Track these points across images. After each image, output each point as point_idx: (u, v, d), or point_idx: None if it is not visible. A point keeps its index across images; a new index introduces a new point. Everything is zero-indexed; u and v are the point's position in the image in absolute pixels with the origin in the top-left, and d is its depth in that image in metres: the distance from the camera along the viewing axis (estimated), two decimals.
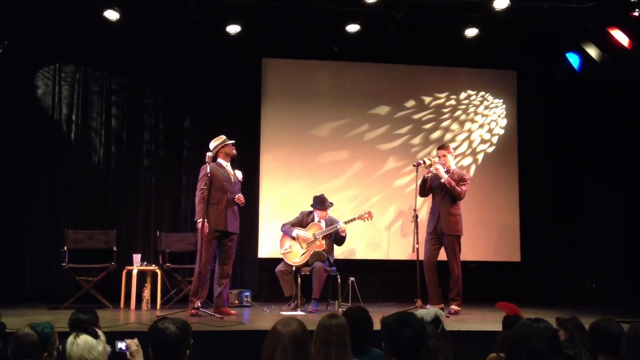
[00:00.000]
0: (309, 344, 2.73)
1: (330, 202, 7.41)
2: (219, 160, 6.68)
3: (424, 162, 6.90)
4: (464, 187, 6.90)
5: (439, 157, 7.07)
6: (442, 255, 7.02)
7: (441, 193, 6.94)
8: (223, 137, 6.75)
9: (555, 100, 8.81)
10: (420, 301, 6.53)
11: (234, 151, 6.78)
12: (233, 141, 6.78)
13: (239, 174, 6.79)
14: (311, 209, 7.42)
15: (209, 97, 8.24)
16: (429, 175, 7.03)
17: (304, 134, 8.51)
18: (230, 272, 6.67)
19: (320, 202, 7.34)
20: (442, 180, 6.86)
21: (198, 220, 6.37)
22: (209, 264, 6.48)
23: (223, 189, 6.49)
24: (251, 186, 8.17)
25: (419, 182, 7.01)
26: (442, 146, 7.26)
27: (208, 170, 6.32)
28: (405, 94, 8.74)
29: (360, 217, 7.28)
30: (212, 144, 6.70)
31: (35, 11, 7.49)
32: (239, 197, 6.61)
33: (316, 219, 7.35)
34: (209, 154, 6.39)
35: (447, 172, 6.96)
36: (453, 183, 6.85)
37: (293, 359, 2.58)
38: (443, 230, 6.87)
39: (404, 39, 8.25)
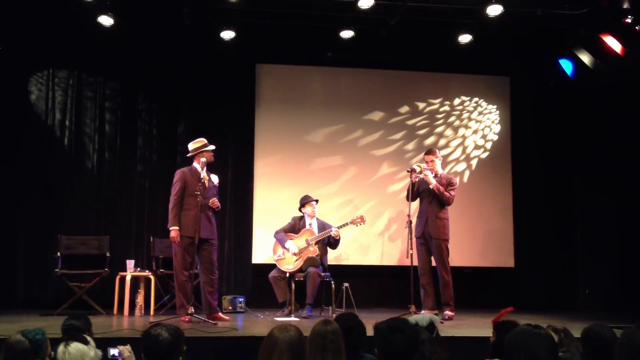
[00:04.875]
0: (306, 350, 2.73)
1: (315, 199, 7.40)
2: (194, 164, 6.58)
3: (415, 170, 6.89)
4: (452, 192, 6.90)
5: (427, 162, 7.06)
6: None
7: (429, 197, 6.95)
8: (204, 140, 6.66)
9: (548, 106, 8.84)
10: (414, 307, 6.53)
11: (212, 158, 6.66)
12: (213, 147, 6.67)
13: (214, 178, 6.69)
14: (301, 213, 7.42)
15: (203, 102, 8.24)
16: (417, 179, 7.03)
17: (298, 139, 8.52)
18: (216, 280, 6.58)
19: (304, 198, 7.36)
20: (431, 187, 6.86)
21: (171, 228, 6.34)
22: (185, 271, 6.35)
23: (196, 194, 6.29)
24: (245, 192, 8.19)
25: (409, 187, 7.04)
26: (430, 151, 7.25)
27: (182, 175, 6.33)
28: (399, 100, 8.76)
29: (353, 222, 7.27)
30: (191, 146, 6.64)
31: (29, 16, 7.48)
32: (214, 202, 6.53)
33: (307, 221, 7.34)
34: (188, 155, 6.41)
35: (435, 176, 6.97)
36: (442, 189, 6.85)
37: None
38: (431, 234, 6.87)
39: (398, 45, 8.27)
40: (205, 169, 6.56)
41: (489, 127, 8.93)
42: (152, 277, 7.21)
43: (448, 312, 6.79)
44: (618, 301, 8.29)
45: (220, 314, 6.57)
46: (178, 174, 6.49)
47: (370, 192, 8.54)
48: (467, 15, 7.51)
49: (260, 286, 7.87)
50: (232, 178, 8.19)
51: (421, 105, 8.80)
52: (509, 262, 8.68)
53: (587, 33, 7.69)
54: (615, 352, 2.83)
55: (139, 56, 8.14)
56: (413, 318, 3.11)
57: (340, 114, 8.60)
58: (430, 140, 8.72)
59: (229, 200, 8.07)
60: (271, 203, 8.33)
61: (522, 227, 8.72)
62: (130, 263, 7.24)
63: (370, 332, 2.98)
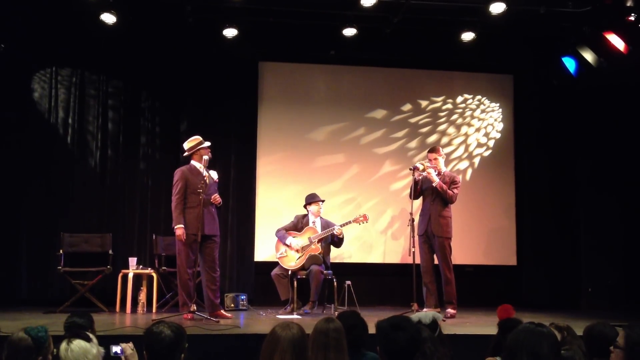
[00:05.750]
0: (308, 348, 2.73)
1: (322, 199, 7.43)
2: (193, 162, 6.58)
3: (418, 168, 6.89)
4: (455, 191, 6.89)
5: (430, 160, 7.05)
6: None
7: (432, 195, 6.93)
8: (199, 138, 6.64)
9: (551, 104, 8.83)
10: (417, 305, 6.53)
11: (210, 154, 6.62)
12: (209, 143, 6.66)
13: (214, 175, 6.68)
14: (305, 211, 7.42)
15: (206, 100, 8.24)
16: (420, 177, 7.02)
17: (301, 137, 8.51)
18: (218, 277, 6.58)
19: (311, 197, 7.40)
20: (434, 185, 6.84)
21: (177, 227, 6.33)
22: (189, 268, 6.37)
23: (198, 191, 6.27)
24: (248, 189, 8.19)
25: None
26: (433, 149, 7.23)
27: (182, 174, 6.35)
28: (402, 98, 8.75)
29: (356, 220, 7.29)
30: (187, 145, 6.63)
31: (32, 14, 7.48)
32: (215, 198, 6.53)
33: (311, 219, 7.35)
34: (185, 154, 6.40)
35: (438, 174, 6.95)
36: (445, 187, 6.84)
37: None
38: (434, 232, 6.85)
39: (401, 43, 8.26)
40: (203, 166, 6.54)
41: (492, 125, 8.91)
42: (154, 275, 7.22)
43: (450, 310, 6.79)
44: (621, 299, 8.27)
45: (222, 311, 6.56)
46: (178, 173, 6.49)
47: (372, 190, 8.54)
48: (470, 13, 7.49)
49: (262, 284, 7.88)
50: (234, 176, 8.20)
51: (424, 103, 8.79)
52: (512, 260, 8.67)
53: (590, 31, 7.67)
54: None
55: (142, 54, 8.14)
56: (415, 316, 3.11)
57: (343, 112, 8.60)
58: (433, 138, 8.71)
59: (231, 198, 8.08)
60: (274, 201, 8.33)
61: (524, 225, 8.71)
62: (133, 261, 7.26)
63: (372, 330, 2.97)
